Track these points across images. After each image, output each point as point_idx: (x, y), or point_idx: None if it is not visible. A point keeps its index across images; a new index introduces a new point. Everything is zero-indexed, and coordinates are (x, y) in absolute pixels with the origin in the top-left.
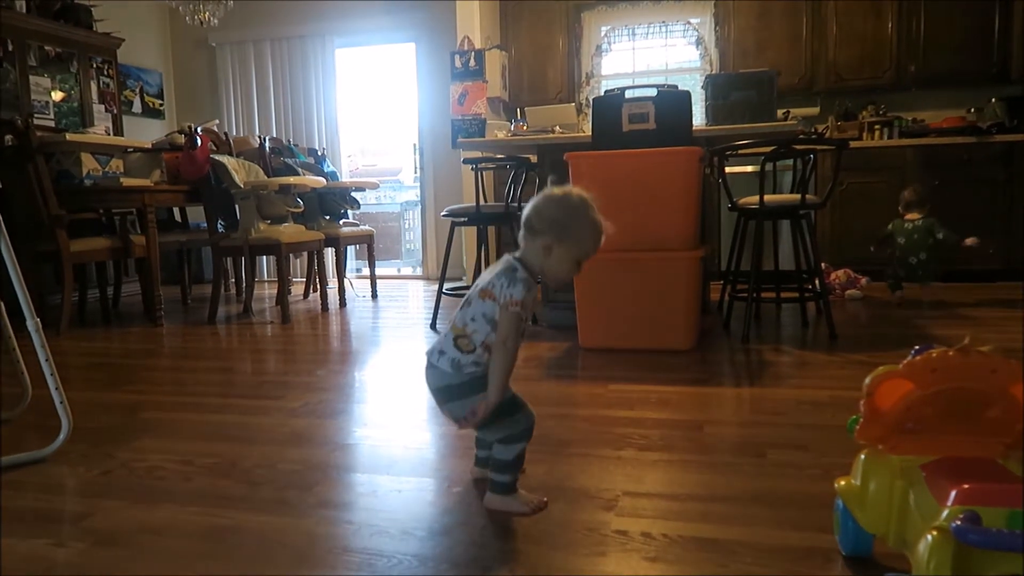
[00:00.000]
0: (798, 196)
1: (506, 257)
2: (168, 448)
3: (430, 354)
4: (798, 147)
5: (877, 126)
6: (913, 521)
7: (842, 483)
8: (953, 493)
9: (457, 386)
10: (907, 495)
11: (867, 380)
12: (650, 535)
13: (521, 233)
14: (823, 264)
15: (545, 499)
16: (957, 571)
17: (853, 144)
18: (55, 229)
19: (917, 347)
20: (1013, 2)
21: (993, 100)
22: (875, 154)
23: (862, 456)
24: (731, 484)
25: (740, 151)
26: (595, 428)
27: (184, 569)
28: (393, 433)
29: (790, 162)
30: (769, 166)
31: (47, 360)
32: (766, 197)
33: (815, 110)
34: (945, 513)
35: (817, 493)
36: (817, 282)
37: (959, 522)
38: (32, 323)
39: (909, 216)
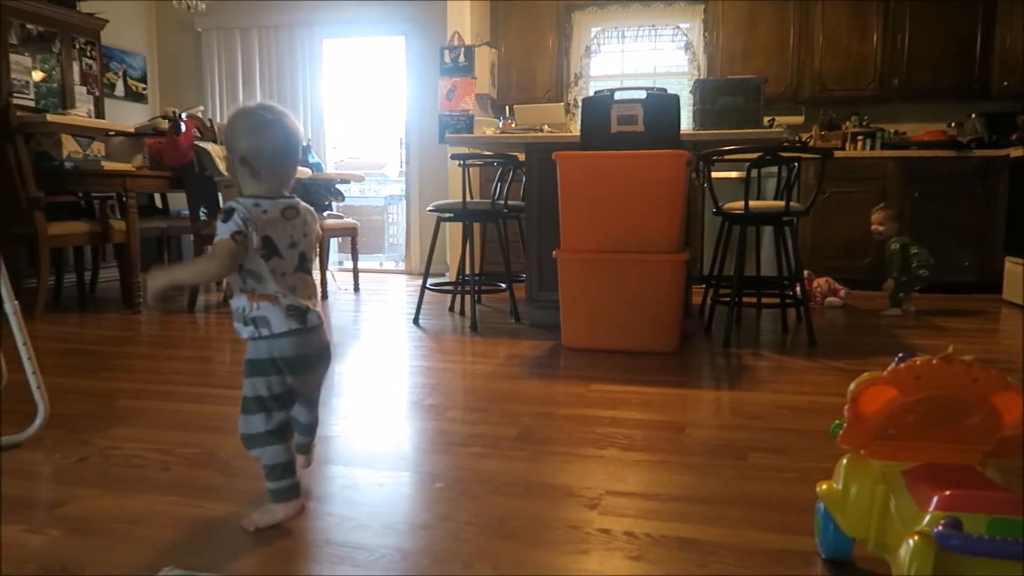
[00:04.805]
0: (782, 203)
1: (292, 203)
2: (145, 437)
3: (320, 318)
4: (784, 154)
5: (860, 137)
6: (893, 526)
7: (823, 487)
8: (935, 499)
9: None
10: (888, 500)
11: (852, 386)
12: (633, 534)
13: (279, 173)
14: (805, 272)
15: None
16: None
17: (836, 154)
18: (33, 212)
19: (901, 355)
20: (995, 21)
21: (973, 116)
22: (857, 164)
23: (844, 461)
24: (712, 486)
25: (725, 156)
26: (577, 427)
27: (162, 559)
28: (373, 427)
29: (774, 169)
30: (754, 172)
31: (24, 344)
32: (751, 203)
33: (800, 119)
34: (927, 518)
35: (796, 497)
36: (798, 288)
37: (941, 527)
38: (10, 306)
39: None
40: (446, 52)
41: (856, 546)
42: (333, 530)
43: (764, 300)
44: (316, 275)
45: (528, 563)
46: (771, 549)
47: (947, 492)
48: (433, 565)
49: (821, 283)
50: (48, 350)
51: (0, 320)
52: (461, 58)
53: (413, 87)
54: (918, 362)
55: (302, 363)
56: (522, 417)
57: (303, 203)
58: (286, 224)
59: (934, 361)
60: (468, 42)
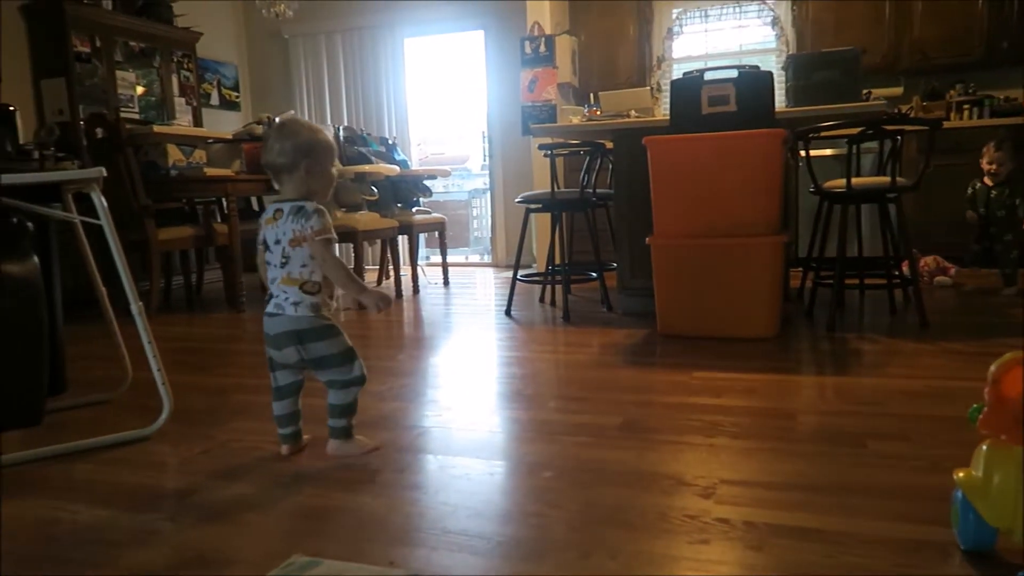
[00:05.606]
0: (887, 179)
1: (281, 206)
2: (262, 429)
3: (279, 308)
4: (888, 127)
5: (966, 106)
6: None
7: (961, 475)
8: None
9: (322, 328)
10: None
11: (992, 367)
12: (752, 524)
13: (276, 178)
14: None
15: (379, 444)
16: None
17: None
18: (143, 218)
19: None
20: None
21: None
22: (964, 135)
23: (984, 447)
24: (831, 474)
25: (823, 133)
26: (682, 415)
27: (289, 546)
28: (476, 417)
29: (870, 144)
30: (854, 148)
31: (149, 343)
32: (853, 180)
33: (898, 90)
34: None
35: (925, 485)
36: (907, 268)
37: None
38: (135, 307)
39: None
40: (527, 43)
41: (1001, 537)
42: (449, 518)
43: (868, 281)
44: (406, 270)
45: (647, 552)
46: (903, 539)
47: None
48: (551, 554)
49: (928, 262)
50: (163, 349)
51: (110, 321)
52: (542, 48)
53: (493, 80)
54: None
55: (268, 339)
56: (625, 406)
57: (308, 205)
58: (274, 224)
59: None
60: (548, 31)
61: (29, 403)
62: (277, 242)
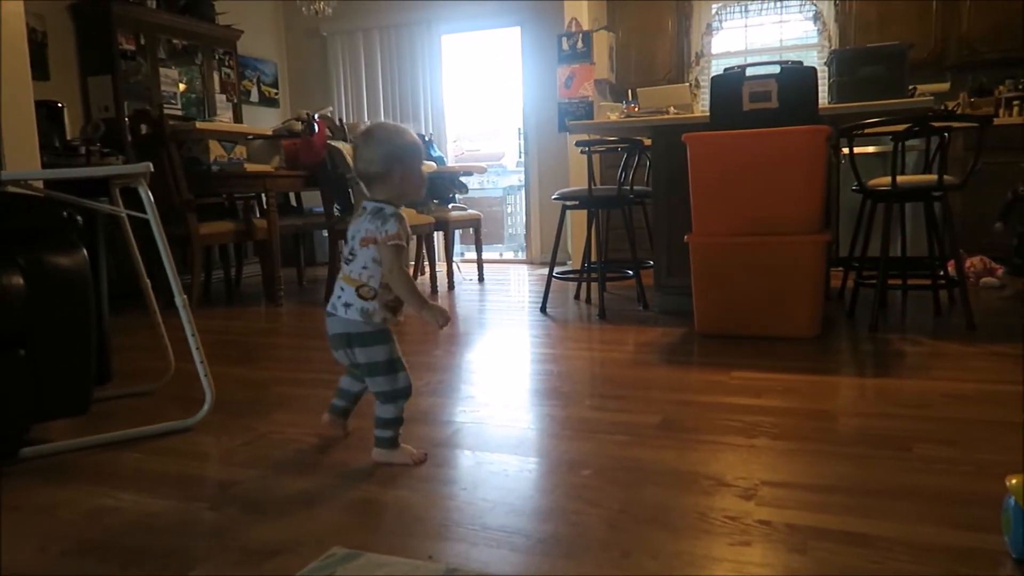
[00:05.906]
0: (934, 177)
1: (366, 204)
2: (301, 422)
3: (334, 307)
4: (936, 124)
5: (1016, 102)
6: None
7: (1014, 481)
8: None
9: (369, 334)
10: None
11: None
12: (795, 527)
13: (369, 186)
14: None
15: (425, 453)
16: None
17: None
18: (185, 213)
19: None
20: None
21: None
22: (1015, 132)
23: None
24: (876, 477)
25: (868, 130)
26: (721, 415)
27: (329, 538)
28: (513, 414)
29: (915, 141)
30: (899, 145)
31: (193, 335)
32: (898, 178)
33: (945, 86)
34: None
35: (974, 491)
36: (953, 268)
37: None
38: (180, 300)
39: None
40: (564, 39)
41: None
42: (487, 514)
43: (912, 281)
44: (441, 266)
45: (687, 553)
46: (951, 546)
47: None
48: (591, 552)
49: (975, 262)
50: (204, 342)
51: (154, 313)
52: (579, 44)
53: (529, 77)
54: None
55: (328, 337)
56: (662, 405)
57: (387, 208)
58: (357, 220)
59: None
60: (585, 28)
61: (77, 392)
62: (353, 237)
